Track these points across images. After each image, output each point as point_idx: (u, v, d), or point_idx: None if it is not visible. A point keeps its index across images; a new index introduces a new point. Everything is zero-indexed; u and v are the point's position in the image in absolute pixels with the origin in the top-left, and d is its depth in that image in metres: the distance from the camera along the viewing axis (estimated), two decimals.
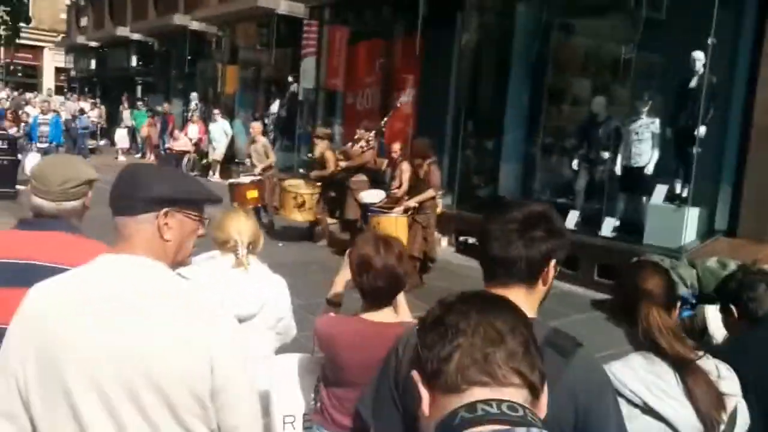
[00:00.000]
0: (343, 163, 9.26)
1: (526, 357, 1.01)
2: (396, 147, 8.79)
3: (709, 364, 1.88)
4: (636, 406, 1.74)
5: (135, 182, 1.54)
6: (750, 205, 7.53)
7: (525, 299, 1.55)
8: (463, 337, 1.01)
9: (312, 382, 2.66)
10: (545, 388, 1.04)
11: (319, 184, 9.51)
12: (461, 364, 0.99)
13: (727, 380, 1.86)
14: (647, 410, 1.74)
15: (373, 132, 10.19)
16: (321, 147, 9.62)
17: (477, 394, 0.97)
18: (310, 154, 10.94)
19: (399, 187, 7.98)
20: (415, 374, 1.05)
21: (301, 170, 10.40)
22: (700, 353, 1.91)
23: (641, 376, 1.77)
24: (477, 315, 1.04)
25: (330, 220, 9.88)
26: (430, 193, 7.51)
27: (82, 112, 21.50)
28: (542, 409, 1.02)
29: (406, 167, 7.96)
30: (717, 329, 2.93)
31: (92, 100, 24.31)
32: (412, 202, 7.54)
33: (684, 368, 1.79)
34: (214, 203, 1.67)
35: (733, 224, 7.76)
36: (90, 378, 1.39)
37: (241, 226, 2.83)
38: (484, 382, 0.98)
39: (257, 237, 2.88)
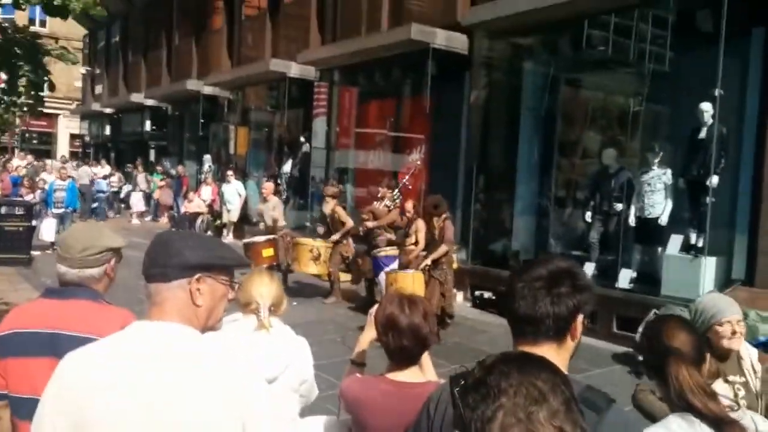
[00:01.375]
0: (370, 223, 9.33)
1: (568, 415, 1.02)
2: (409, 205, 8.88)
3: (746, 419, 1.86)
4: None
5: (168, 249, 1.56)
6: (766, 255, 7.48)
7: (555, 356, 1.55)
8: (505, 396, 1.02)
9: None
10: None
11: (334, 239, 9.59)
12: (505, 423, 1.00)
13: None
14: None
15: (396, 190, 10.31)
16: (331, 204, 9.75)
17: None
18: (314, 215, 10.99)
19: (415, 244, 7.99)
20: None
21: (317, 231, 10.47)
22: (736, 407, 1.88)
23: None
24: (518, 374, 1.05)
25: (343, 277, 9.89)
26: (443, 249, 7.53)
27: (105, 177, 21.92)
28: None
29: (421, 225, 8.00)
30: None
31: (108, 165, 24.71)
32: (429, 260, 7.55)
33: (724, 429, 1.76)
34: (243, 268, 1.72)
35: (750, 273, 7.69)
36: None
37: (263, 288, 2.82)
38: None
39: (280, 298, 2.87)
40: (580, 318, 1.59)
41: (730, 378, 2.81)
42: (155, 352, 1.47)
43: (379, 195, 10.03)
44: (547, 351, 1.54)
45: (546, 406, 1.01)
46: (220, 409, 1.44)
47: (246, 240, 10.67)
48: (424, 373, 2.40)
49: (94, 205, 20.82)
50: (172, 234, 1.69)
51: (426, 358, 2.44)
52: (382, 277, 8.32)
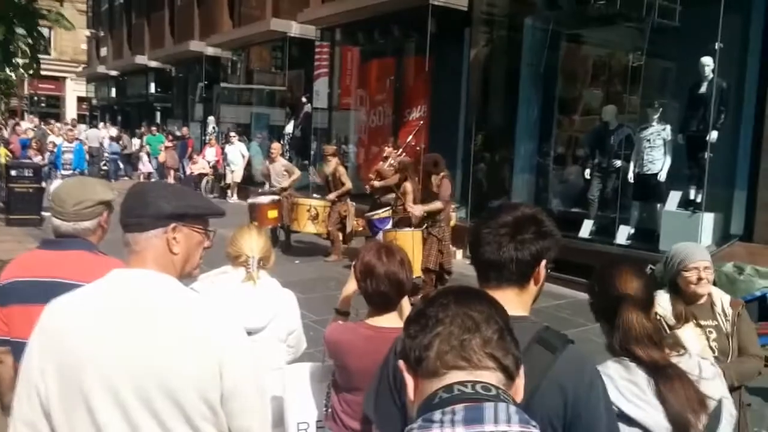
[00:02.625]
0: (377, 183, 9.39)
1: (499, 343, 1.09)
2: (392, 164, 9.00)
3: (690, 363, 1.91)
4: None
5: (143, 200, 1.61)
6: (765, 210, 7.51)
7: (517, 299, 1.61)
8: (441, 326, 1.10)
9: (323, 390, 2.73)
10: (521, 372, 1.12)
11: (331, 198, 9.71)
12: (440, 350, 1.08)
13: (710, 380, 1.89)
14: (623, 417, 1.75)
15: (400, 150, 10.33)
16: (332, 163, 9.84)
17: (455, 377, 1.05)
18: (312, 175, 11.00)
19: (402, 205, 8.10)
20: (400, 363, 1.15)
21: (315, 195, 10.56)
22: (682, 352, 1.94)
23: (618, 384, 1.79)
24: (455, 306, 1.13)
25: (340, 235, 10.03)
26: (437, 204, 7.53)
27: (115, 139, 22.03)
28: (518, 392, 1.10)
29: (408, 187, 8.12)
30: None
31: (113, 128, 24.79)
32: (419, 211, 7.52)
33: (659, 374, 1.82)
34: (217, 216, 1.75)
35: (748, 229, 7.74)
36: (107, 386, 1.45)
37: (253, 242, 2.91)
38: (461, 366, 1.06)
39: (268, 252, 2.96)
40: (543, 263, 1.63)
41: (702, 322, 2.91)
42: (134, 298, 1.53)
43: (384, 155, 10.06)
44: (509, 294, 1.59)
45: (479, 335, 1.09)
46: (195, 353, 1.49)
47: (250, 200, 10.78)
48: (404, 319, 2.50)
49: (105, 167, 21.01)
50: (147, 185, 1.73)
51: (406, 304, 2.53)
52: (379, 238, 8.43)
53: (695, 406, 1.78)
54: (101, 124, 25.44)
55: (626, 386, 1.78)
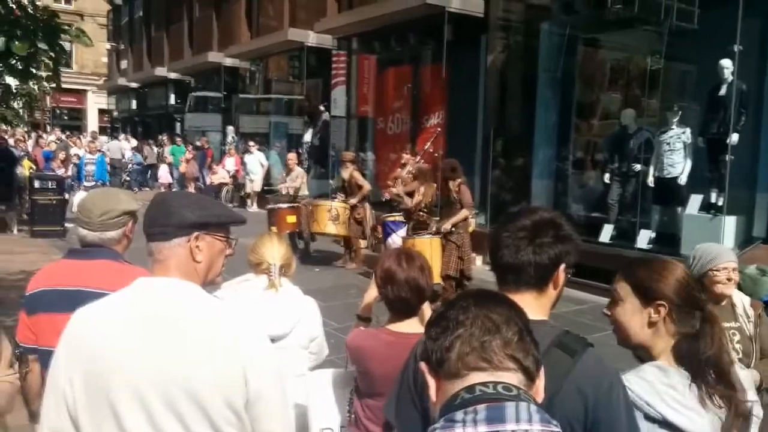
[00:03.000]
0: (395, 189, 9.44)
1: (519, 344, 1.11)
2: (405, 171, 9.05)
3: (742, 374, 1.91)
4: (654, 420, 1.72)
5: (166, 210, 1.64)
6: None
7: (536, 303, 1.61)
8: (462, 328, 1.13)
9: (346, 396, 2.75)
10: (541, 373, 1.13)
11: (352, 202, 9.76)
12: (461, 352, 1.10)
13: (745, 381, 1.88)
14: (665, 424, 1.72)
15: (418, 157, 10.36)
16: (349, 169, 9.91)
17: (476, 378, 1.07)
18: (332, 181, 11.09)
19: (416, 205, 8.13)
20: (422, 365, 1.16)
21: (334, 197, 10.62)
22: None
23: (658, 389, 1.74)
24: (475, 308, 1.15)
25: (362, 243, 10.05)
26: (464, 213, 7.58)
27: (137, 149, 22.40)
28: (539, 393, 1.12)
29: (423, 190, 8.17)
30: None
31: (133, 139, 25.14)
32: (448, 225, 7.57)
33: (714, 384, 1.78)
34: (239, 224, 1.78)
35: None
36: (133, 393, 1.48)
37: (274, 249, 2.94)
38: (482, 367, 1.08)
39: (290, 260, 2.99)
40: (562, 267, 1.63)
41: (725, 324, 2.90)
42: (159, 306, 1.56)
43: (402, 162, 10.09)
44: (527, 298, 1.59)
45: (499, 336, 1.11)
46: (221, 359, 1.51)
47: (270, 206, 10.86)
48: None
49: (128, 177, 21.32)
50: (170, 194, 1.78)
51: (427, 309, 2.53)
52: (390, 240, 8.45)
53: (737, 412, 1.77)
54: (121, 136, 25.79)
55: (666, 391, 1.73)
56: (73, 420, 1.53)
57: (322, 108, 15.42)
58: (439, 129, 11.59)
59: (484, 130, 10.99)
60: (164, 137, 23.40)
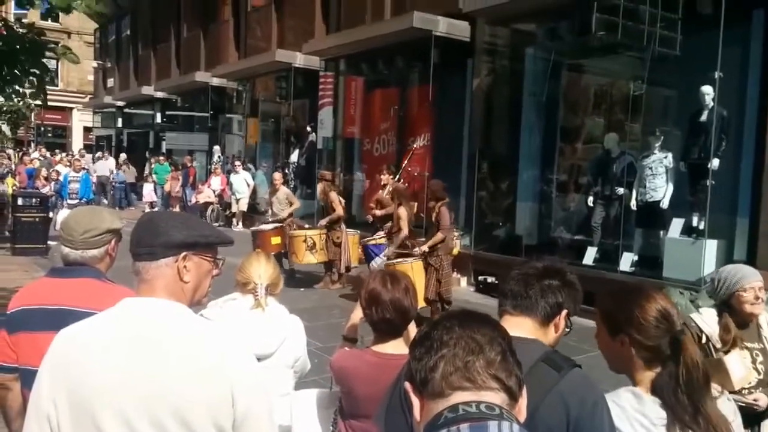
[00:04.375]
0: (378, 212, 9.42)
1: (503, 364, 1.13)
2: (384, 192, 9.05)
3: (727, 407, 1.91)
4: None
5: (154, 229, 1.63)
6: (767, 236, 7.52)
7: (533, 330, 1.70)
8: (446, 348, 1.14)
9: (330, 416, 2.75)
10: (523, 392, 1.15)
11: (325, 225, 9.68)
12: (445, 371, 1.12)
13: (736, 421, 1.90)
14: None
15: (397, 176, 10.36)
16: (320, 187, 9.88)
17: (459, 397, 1.09)
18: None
19: (398, 232, 8.13)
20: (407, 384, 1.18)
21: (306, 226, 10.55)
22: (719, 392, 1.94)
23: (629, 414, 1.76)
24: (459, 329, 1.17)
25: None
26: (438, 236, 7.61)
27: (120, 166, 22.38)
28: (521, 412, 1.13)
29: (402, 213, 8.19)
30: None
31: (111, 158, 25.06)
32: (425, 247, 7.64)
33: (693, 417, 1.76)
34: (226, 245, 1.78)
35: (751, 255, 7.71)
36: (119, 415, 1.46)
37: (261, 269, 2.94)
38: (466, 387, 1.10)
39: (277, 279, 3.00)
40: (563, 313, 1.74)
41: (749, 344, 2.91)
42: (146, 326, 1.54)
43: (382, 183, 10.09)
44: (528, 323, 1.69)
45: (482, 357, 1.12)
46: (209, 381, 1.50)
47: (254, 228, 10.82)
48: None
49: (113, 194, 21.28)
50: (157, 214, 1.77)
51: (413, 330, 2.53)
52: (373, 264, 8.42)
53: None
54: (98, 153, 25.65)
55: (636, 417, 1.75)
56: None
57: (309, 129, 15.47)
58: (415, 146, 11.64)
59: (469, 152, 11.07)
60: (153, 158, 23.33)
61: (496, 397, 1.09)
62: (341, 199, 10.05)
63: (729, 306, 2.92)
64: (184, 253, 1.62)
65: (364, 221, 10.66)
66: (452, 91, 11.29)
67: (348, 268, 9.80)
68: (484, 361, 1.12)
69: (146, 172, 22.18)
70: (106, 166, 22.26)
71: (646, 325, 1.77)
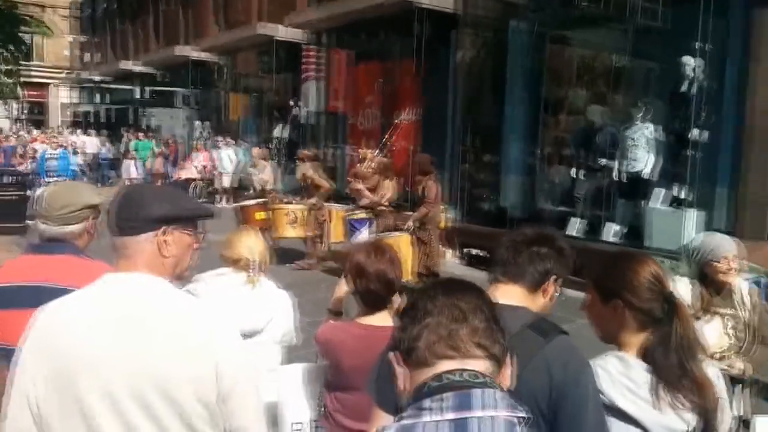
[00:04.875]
0: (358, 185, 9.36)
1: (487, 332, 1.13)
2: (373, 165, 8.96)
3: (711, 371, 1.93)
4: (606, 407, 1.74)
5: (133, 204, 1.60)
6: (748, 205, 7.61)
7: (523, 297, 1.71)
8: (430, 317, 1.14)
9: (317, 390, 2.75)
10: (508, 360, 1.15)
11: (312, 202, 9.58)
12: (429, 340, 1.12)
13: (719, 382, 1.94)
14: (618, 413, 1.75)
15: (377, 151, 10.29)
16: (302, 169, 9.68)
17: (444, 366, 1.09)
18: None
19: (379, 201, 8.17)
20: (391, 355, 1.18)
21: (292, 198, 10.42)
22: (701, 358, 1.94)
23: (614, 378, 1.78)
24: (443, 297, 1.17)
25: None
26: (422, 210, 7.63)
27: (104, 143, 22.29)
28: (506, 380, 1.14)
29: (387, 185, 8.18)
30: None
31: (96, 134, 24.80)
32: (410, 222, 7.66)
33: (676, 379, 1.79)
34: (207, 218, 1.76)
35: (732, 224, 7.81)
36: (103, 391, 1.46)
37: (252, 245, 2.94)
38: (450, 355, 1.10)
39: (266, 255, 3.00)
40: (552, 278, 1.75)
41: (720, 310, 2.99)
42: (129, 302, 1.53)
43: (360, 156, 10.00)
44: (518, 290, 1.70)
45: (467, 325, 1.13)
46: (193, 356, 1.49)
47: (238, 203, 10.76)
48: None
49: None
50: (137, 188, 1.77)
51: (398, 302, 2.52)
52: (357, 239, 8.37)
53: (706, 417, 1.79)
54: (78, 131, 25.33)
55: (621, 380, 1.78)
56: (38, 420, 1.50)
57: (292, 103, 15.32)
58: (396, 121, 11.57)
59: (454, 125, 11.04)
60: (129, 132, 23.04)
61: (480, 364, 1.10)
62: (350, 179, 9.90)
63: (704, 274, 2.99)
64: (164, 228, 1.60)
65: (352, 197, 10.56)
66: (437, 64, 11.21)
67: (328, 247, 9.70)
68: (468, 329, 1.12)
69: (123, 148, 21.93)
70: (94, 142, 22.01)
71: (640, 288, 1.80)
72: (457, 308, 1.14)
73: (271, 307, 2.91)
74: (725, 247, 2.97)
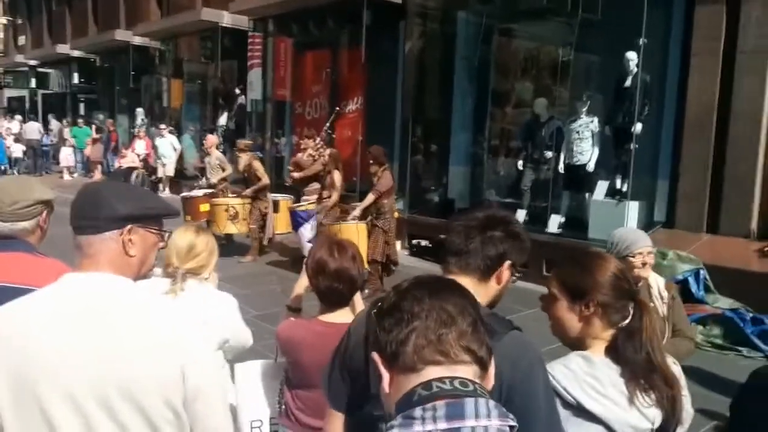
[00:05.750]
0: (296, 174, 9.26)
1: (474, 335, 1.12)
2: (326, 154, 8.87)
3: (676, 369, 1.94)
4: (570, 407, 1.75)
5: (97, 201, 1.56)
6: (685, 198, 7.90)
7: (474, 289, 1.56)
8: (418, 320, 1.12)
9: (276, 387, 2.70)
10: (492, 361, 1.15)
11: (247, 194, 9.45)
12: (417, 345, 1.10)
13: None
14: (583, 412, 1.74)
15: (318, 139, 10.17)
16: (244, 159, 9.48)
17: (432, 372, 1.07)
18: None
19: (329, 197, 8.17)
20: (375, 356, 1.15)
21: (229, 191, 10.25)
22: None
23: (578, 377, 1.77)
24: (430, 300, 1.15)
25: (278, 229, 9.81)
26: (369, 198, 7.68)
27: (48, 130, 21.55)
28: (490, 380, 1.14)
29: (337, 176, 8.20)
30: None
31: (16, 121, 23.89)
32: (357, 212, 7.69)
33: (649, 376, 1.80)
34: (173, 216, 1.72)
35: (670, 216, 8.12)
36: (65, 395, 1.42)
37: (182, 248, 2.67)
38: (439, 361, 1.08)
39: (204, 261, 2.73)
40: (507, 264, 1.66)
41: None
42: (91, 302, 1.49)
43: (301, 146, 9.91)
44: (467, 283, 1.57)
45: (455, 328, 1.11)
46: (158, 357, 1.46)
47: (184, 194, 10.54)
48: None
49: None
50: (100, 185, 1.67)
51: (358, 299, 2.54)
52: (302, 230, 8.32)
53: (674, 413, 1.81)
54: (17, 117, 24.31)
55: (585, 379, 1.77)
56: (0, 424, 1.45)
57: (237, 91, 15.07)
58: (337, 110, 11.53)
59: (402, 116, 11.08)
60: (64, 120, 22.25)
61: (468, 370, 1.09)
62: (290, 168, 9.72)
63: None
64: (129, 226, 1.56)
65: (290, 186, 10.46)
66: (385, 54, 11.20)
67: (270, 239, 9.56)
68: (456, 332, 1.10)
69: (56, 135, 21.21)
70: (35, 128, 21.18)
71: (612, 286, 1.81)
72: (444, 311, 1.13)
73: (200, 315, 2.43)
74: (640, 242, 3.00)
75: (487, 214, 1.70)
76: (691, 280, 6.84)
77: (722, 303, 6.72)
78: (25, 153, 21.22)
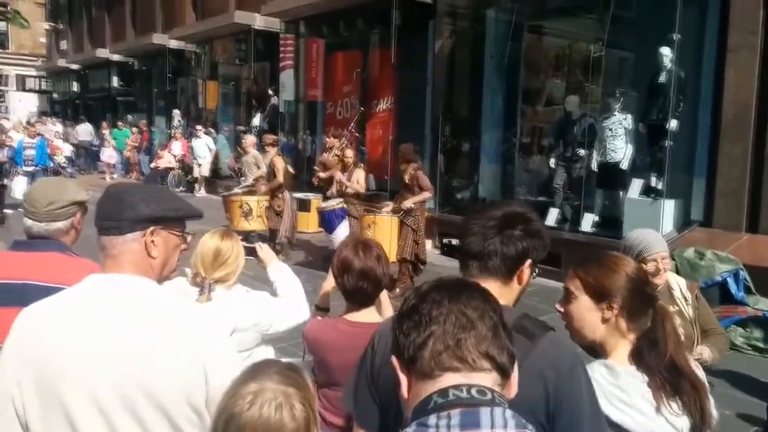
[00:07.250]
0: (322, 174, 9.30)
1: (495, 340, 1.08)
2: (349, 153, 8.88)
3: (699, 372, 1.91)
4: None
5: (121, 203, 1.56)
6: (723, 196, 7.72)
7: (498, 292, 1.54)
8: (436, 324, 1.09)
9: None
10: (515, 367, 1.11)
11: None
12: (435, 350, 1.07)
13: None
14: (609, 423, 1.68)
15: (344, 139, 10.17)
16: (270, 154, 9.49)
17: (450, 379, 1.04)
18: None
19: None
20: (394, 360, 1.13)
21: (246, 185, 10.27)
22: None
23: (604, 389, 1.72)
24: (449, 303, 1.11)
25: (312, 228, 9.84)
26: (425, 194, 7.65)
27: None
28: (513, 388, 1.10)
29: (359, 173, 8.31)
30: None
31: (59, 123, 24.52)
32: (409, 203, 7.59)
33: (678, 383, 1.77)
34: (196, 218, 1.72)
35: (708, 215, 7.91)
36: (89, 396, 1.43)
37: (207, 256, 2.65)
38: (456, 367, 1.05)
39: (231, 268, 2.71)
40: (528, 263, 1.60)
41: None
42: (114, 304, 1.49)
43: (327, 145, 9.85)
44: (491, 286, 1.52)
45: (474, 333, 1.07)
46: (181, 358, 1.47)
47: (224, 193, 10.64)
48: (384, 314, 2.51)
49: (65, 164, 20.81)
50: (124, 187, 1.68)
51: (385, 298, 2.55)
52: (338, 230, 8.24)
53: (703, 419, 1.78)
54: (48, 120, 24.91)
55: (612, 391, 1.73)
56: (22, 423, 1.48)
57: (270, 92, 15.22)
58: (362, 109, 11.53)
59: (432, 115, 11.05)
60: (105, 122, 22.76)
61: (487, 378, 1.06)
62: (317, 168, 9.70)
63: None
64: (151, 228, 1.57)
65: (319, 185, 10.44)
66: (415, 53, 11.20)
67: (289, 239, 9.41)
68: (475, 338, 1.07)
69: (104, 137, 21.67)
70: (87, 130, 21.72)
71: (634, 289, 1.77)
72: (464, 315, 1.09)
73: (228, 322, 2.54)
74: (654, 247, 2.83)
75: (505, 211, 1.62)
76: (730, 280, 6.67)
77: (763, 304, 6.53)
78: (75, 153, 21.79)
